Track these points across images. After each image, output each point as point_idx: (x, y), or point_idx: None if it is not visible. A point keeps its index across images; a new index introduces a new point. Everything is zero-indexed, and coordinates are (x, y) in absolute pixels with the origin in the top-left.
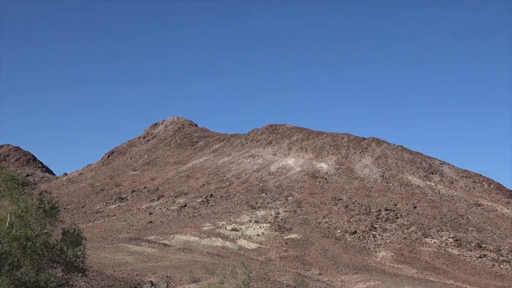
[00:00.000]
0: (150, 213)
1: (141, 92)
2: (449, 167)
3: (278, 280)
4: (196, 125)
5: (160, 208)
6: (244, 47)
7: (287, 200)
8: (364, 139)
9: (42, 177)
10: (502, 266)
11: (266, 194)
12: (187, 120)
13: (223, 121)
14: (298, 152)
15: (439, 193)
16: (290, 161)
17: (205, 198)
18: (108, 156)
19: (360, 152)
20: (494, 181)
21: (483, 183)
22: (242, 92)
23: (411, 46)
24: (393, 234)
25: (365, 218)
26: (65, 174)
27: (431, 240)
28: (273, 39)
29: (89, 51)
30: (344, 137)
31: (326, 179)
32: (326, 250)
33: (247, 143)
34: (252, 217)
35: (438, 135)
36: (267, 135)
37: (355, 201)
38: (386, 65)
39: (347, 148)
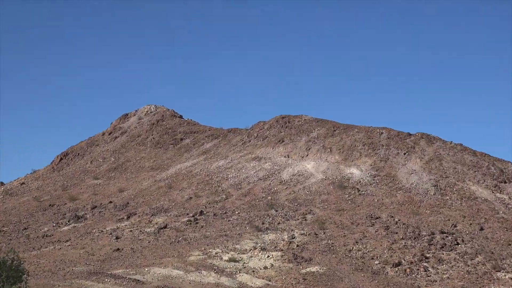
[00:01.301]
0: (117, 238)
1: (107, 74)
2: None
3: None
4: (181, 117)
5: (131, 231)
6: (244, 14)
7: (305, 219)
8: (410, 135)
9: None
10: None
11: (277, 211)
12: (168, 109)
13: (218, 111)
14: (320, 153)
15: None
16: (309, 165)
17: (193, 216)
18: (61, 159)
19: (404, 153)
20: None
21: None
22: (242, 73)
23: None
24: (452, 267)
25: (412, 244)
26: (1, 184)
27: (505, 275)
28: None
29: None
30: (382, 133)
31: (359, 190)
32: None
33: (250, 140)
34: (257, 243)
35: (510, 131)
36: (278, 130)
37: (399, 220)
38: (435, 42)
39: (386, 148)
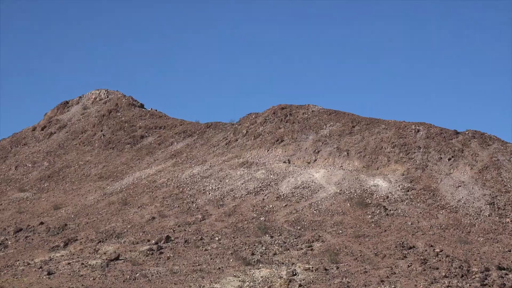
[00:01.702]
0: (49, 274)
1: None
2: None
3: None
4: (142, 106)
5: (69, 264)
6: None
7: (312, 249)
8: (458, 134)
9: None
10: None
11: (272, 236)
12: (124, 96)
13: (193, 100)
14: (333, 157)
15: None
16: (318, 174)
17: (156, 244)
18: None
19: (449, 159)
20: None
21: None
22: (228, 51)
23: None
24: None
25: (459, 285)
26: None
27: None
28: None
29: None
30: (419, 130)
31: (386, 209)
32: None
33: (237, 139)
34: (244, 281)
35: None
36: (275, 125)
37: (441, 251)
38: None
39: (425, 151)
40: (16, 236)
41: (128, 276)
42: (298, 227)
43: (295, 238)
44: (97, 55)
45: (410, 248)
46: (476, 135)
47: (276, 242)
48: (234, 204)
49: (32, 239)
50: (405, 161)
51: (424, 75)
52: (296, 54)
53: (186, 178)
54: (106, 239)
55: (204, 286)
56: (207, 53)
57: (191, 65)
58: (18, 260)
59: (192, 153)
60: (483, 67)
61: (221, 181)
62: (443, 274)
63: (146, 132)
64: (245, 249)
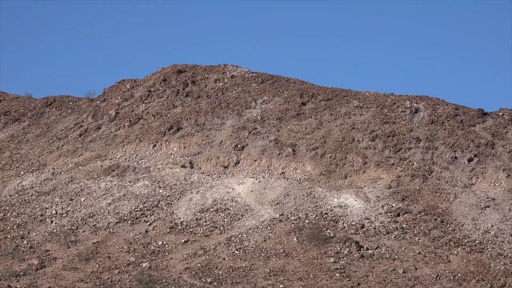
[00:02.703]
0: None
1: None
2: None
3: None
4: None
5: None
6: None
7: None
8: (485, 114)
9: None
10: None
11: None
12: None
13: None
14: (269, 156)
15: None
16: (242, 186)
17: None
18: None
19: (471, 159)
20: None
21: None
22: None
23: None
24: None
25: None
26: None
27: None
28: None
29: None
30: (418, 108)
31: (361, 248)
32: None
33: (98, 127)
34: None
35: None
36: (167, 102)
37: None
38: None
39: (427, 146)
40: None
41: None
42: (209, 280)
43: None
44: None
45: None
46: None
47: None
48: (95, 240)
49: None
50: (394, 164)
51: (420, 22)
52: None
53: (10, 196)
54: None
55: None
56: None
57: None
58: None
59: (19, 151)
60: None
61: (72, 199)
62: None
63: None
64: None
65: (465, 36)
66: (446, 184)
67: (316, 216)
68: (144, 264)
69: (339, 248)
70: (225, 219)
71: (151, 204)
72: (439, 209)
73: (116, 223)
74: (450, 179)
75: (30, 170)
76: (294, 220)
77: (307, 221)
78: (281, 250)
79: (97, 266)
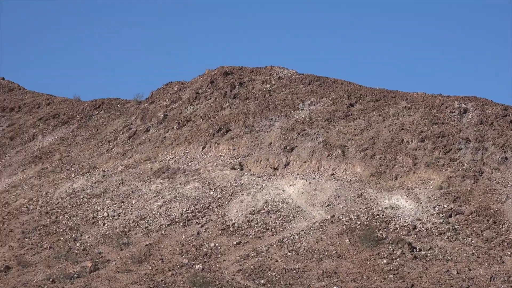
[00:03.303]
0: None
1: None
2: None
3: None
4: None
5: None
6: None
7: None
8: None
9: None
10: None
11: None
12: None
13: (67, 65)
14: (318, 158)
15: None
16: (293, 188)
17: None
18: None
19: None
20: None
21: None
22: None
23: None
24: None
25: None
26: None
27: None
28: None
29: None
30: (466, 109)
31: (413, 249)
32: None
33: (147, 129)
34: None
35: None
36: (215, 104)
37: None
38: None
39: (478, 146)
40: None
41: None
42: (262, 282)
43: None
44: None
45: None
46: None
47: None
48: (148, 243)
49: None
50: (444, 165)
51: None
52: None
53: (61, 198)
54: None
55: None
56: None
57: (61, 9)
58: None
59: (70, 154)
60: None
61: (123, 202)
62: None
63: None
64: None
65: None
66: (497, 184)
67: (367, 217)
68: (197, 266)
69: (391, 249)
70: (277, 221)
71: (202, 206)
72: (491, 209)
73: (168, 225)
74: (501, 179)
75: (81, 173)
76: (346, 221)
77: (358, 223)
78: (334, 252)
79: (150, 268)
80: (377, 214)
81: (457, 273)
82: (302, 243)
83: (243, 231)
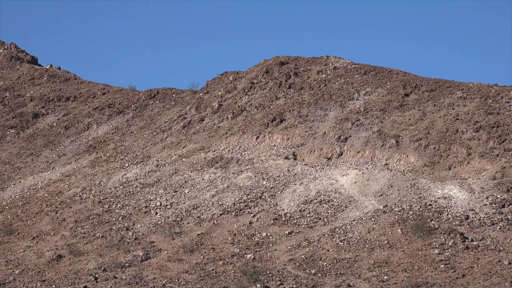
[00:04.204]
0: None
1: None
2: None
3: None
4: (36, 61)
5: None
6: None
7: None
8: None
9: None
10: None
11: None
12: (3, 43)
13: (123, 55)
14: (372, 148)
15: None
16: (346, 178)
17: None
18: None
19: None
20: None
21: None
22: None
23: None
24: None
25: None
26: None
27: None
28: None
29: None
30: None
31: (466, 239)
32: None
33: (202, 119)
34: None
35: None
36: (269, 93)
37: None
38: None
39: None
40: None
41: None
42: (313, 271)
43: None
44: None
45: None
46: None
47: None
48: (200, 232)
49: None
50: (498, 155)
51: None
52: None
53: (114, 187)
54: None
55: None
56: None
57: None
58: None
59: (124, 144)
60: None
61: (176, 191)
62: None
63: (43, 107)
64: None
65: None
66: None
67: (420, 207)
68: (248, 256)
69: (443, 240)
70: (329, 211)
71: (255, 195)
72: None
73: (220, 214)
74: None
75: (135, 162)
76: (398, 211)
77: (411, 213)
78: (385, 242)
79: (201, 257)
80: (430, 204)
81: (509, 263)
82: (353, 233)
83: (295, 221)
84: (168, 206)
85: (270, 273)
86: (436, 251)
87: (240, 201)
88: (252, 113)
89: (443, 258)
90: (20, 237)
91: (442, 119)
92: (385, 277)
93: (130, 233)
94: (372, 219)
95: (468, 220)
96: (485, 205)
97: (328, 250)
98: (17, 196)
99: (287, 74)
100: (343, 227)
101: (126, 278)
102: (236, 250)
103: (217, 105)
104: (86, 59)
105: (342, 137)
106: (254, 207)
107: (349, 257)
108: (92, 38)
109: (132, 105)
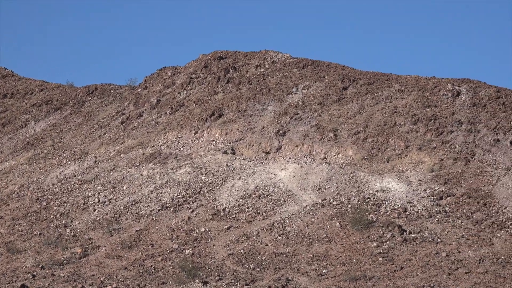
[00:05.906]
0: None
1: None
2: None
3: None
4: None
5: None
6: None
7: None
8: None
9: None
10: None
11: (207, 283)
12: None
13: (61, 50)
14: (310, 142)
15: None
16: (284, 172)
17: None
18: None
19: None
20: None
21: None
22: None
23: None
24: None
25: None
26: None
27: None
28: None
29: None
30: (460, 91)
31: (403, 231)
32: None
33: (140, 114)
34: None
35: None
36: (208, 88)
37: None
38: None
39: (470, 129)
40: None
41: None
42: (251, 266)
43: (246, 285)
44: None
45: None
46: None
47: None
48: (138, 228)
49: None
50: (436, 147)
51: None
52: None
53: (52, 184)
54: None
55: None
56: None
57: None
58: None
59: (62, 140)
60: None
61: (114, 187)
62: None
63: None
64: None
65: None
66: (488, 166)
67: (358, 200)
68: (187, 251)
69: (381, 232)
70: (268, 205)
71: (194, 191)
72: (481, 192)
73: (159, 210)
74: (493, 161)
75: (72, 159)
76: (337, 205)
77: (349, 206)
78: (324, 235)
79: (140, 253)
80: (368, 198)
81: (447, 255)
82: (292, 227)
83: (234, 216)
84: (106, 203)
85: (208, 268)
86: (374, 244)
87: (178, 196)
88: (190, 108)
89: (381, 251)
90: None
91: (380, 112)
92: (324, 271)
93: (68, 230)
94: (311, 213)
95: (406, 213)
96: (423, 197)
97: (267, 245)
98: None
99: (226, 69)
100: (281, 221)
101: (64, 276)
102: (175, 246)
103: (155, 101)
104: (23, 56)
105: (280, 131)
106: (192, 202)
107: (287, 251)
108: (30, 35)
109: (70, 102)
